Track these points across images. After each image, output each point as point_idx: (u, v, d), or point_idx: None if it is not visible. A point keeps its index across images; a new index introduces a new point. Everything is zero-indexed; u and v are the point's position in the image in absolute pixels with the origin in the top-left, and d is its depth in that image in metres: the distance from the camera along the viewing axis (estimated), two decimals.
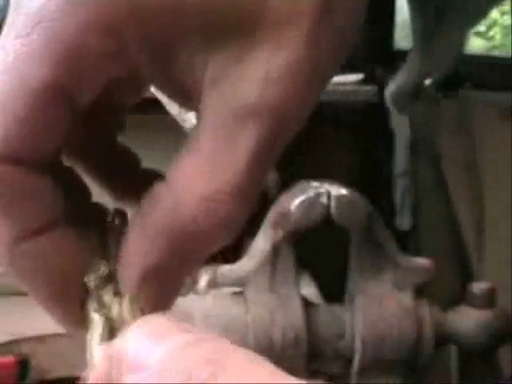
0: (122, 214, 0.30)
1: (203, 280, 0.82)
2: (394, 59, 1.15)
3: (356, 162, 1.36)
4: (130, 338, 0.22)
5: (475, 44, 2.33)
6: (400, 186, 1.29)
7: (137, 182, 0.30)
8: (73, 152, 0.30)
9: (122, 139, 0.33)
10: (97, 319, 0.27)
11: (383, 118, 1.30)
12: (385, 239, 0.77)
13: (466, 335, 0.76)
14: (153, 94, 0.34)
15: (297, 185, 0.78)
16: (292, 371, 0.20)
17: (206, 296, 0.83)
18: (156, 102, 0.74)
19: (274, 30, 0.26)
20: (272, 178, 0.89)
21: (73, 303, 0.28)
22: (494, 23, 2.36)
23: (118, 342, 0.23)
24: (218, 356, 0.20)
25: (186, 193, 0.26)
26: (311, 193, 0.75)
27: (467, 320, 0.76)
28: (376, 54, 1.33)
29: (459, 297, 0.78)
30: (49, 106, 0.26)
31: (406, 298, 0.77)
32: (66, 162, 0.30)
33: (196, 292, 0.83)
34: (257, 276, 0.78)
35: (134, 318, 0.26)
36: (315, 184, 0.76)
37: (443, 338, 0.76)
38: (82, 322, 0.28)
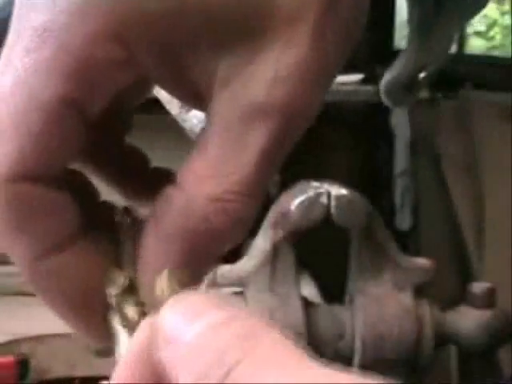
0: (131, 212, 0.30)
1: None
2: (394, 59, 1.15)
3: (356, 161, 1.36)
4: (167, 313, 0.22)
5: (475, 44, 2.33)
6: (400, 185, 1.29)
7: (147, 180, 0.31)
8: (81, 155, 0.30)
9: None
10: (121, 331, 0.27)
11: (383, 118, 1.30)
12: (385, 239, 0.77)
13: (466, 335, 0.76)
14: (153, 94, 0.34)
15: (297, 185, 0.78)
16: None
17: None
18: (156, 102, 0.74)
19: (285, 28, 0.26)
20: (272, 178, 0.88)
21: (96, 316, 0.28)
22: (494, 23, 2.36)
23: (155, 317, 0.23)
24: (249, 336, 0.21)
25: (197, 193, 0.27)
26: (311, 193, 0.75)
27: (467, 320, 0.76)
28: (376, 54, 1.33)
29: (459, 297, 0.78)
30: (62, 119, 0.26)
31: (406, 298, 0.76)
32: (75, 165, 0.30)
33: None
34: (257, 276, 0.78)
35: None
36: (315, 184, 0.76)
37: (443, 338, 0.76)
38: (107, 334, 0.28)
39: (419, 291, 0.77)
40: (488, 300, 0.77)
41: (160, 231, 0.27)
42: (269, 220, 0.76)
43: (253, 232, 0.80)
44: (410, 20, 0.57)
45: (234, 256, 0.81)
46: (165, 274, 0.25)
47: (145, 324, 0.23)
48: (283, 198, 0.77)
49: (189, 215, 0.27)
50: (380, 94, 0.53)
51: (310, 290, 0.82)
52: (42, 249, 0.27)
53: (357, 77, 1.30)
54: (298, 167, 0.89)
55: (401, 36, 1.41)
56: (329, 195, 0.74)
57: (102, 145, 0.31)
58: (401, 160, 1.30)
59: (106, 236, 0.29)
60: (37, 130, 0.25)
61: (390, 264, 0.76)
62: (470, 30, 2.11)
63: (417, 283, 0.77)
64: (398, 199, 1.30)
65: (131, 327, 0.27)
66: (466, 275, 1.28)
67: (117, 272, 0.28)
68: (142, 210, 0.29)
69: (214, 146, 0.27)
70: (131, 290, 0.28)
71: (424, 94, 1.29)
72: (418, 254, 0.85)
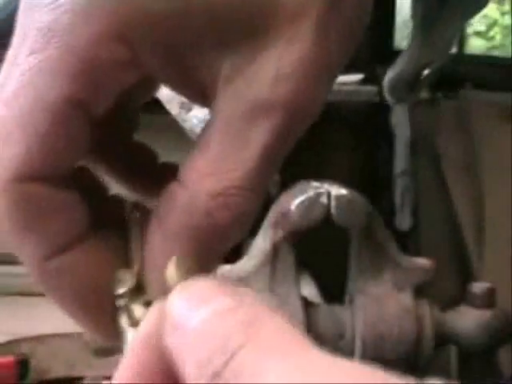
0: (140, 207, 0.30)
1: None
2: (395, 59, 1.15)
3: (356, 161, 1.36)
4: (174, 299, 0.22)
5: (475, 44, 2.33)
6: (400, 185, 1.29)
7: (155, 175, 0.31)
8: (89, 154, 0.30)
9: None
10: (129, 330, 0.27)
11: (384, 118, 1.30)
12: (385, 239, 0.77)
13: (466, 335, 0.76)
14: None
15: (297, 185, 0.78)
16: None
17: None
18: (156, 102, 0.74)
19: (288, 25, 0.26)
20: (274, 175, 0.88)
21: (105, 315, 0.28)
22: (494, 23, 2.36)
23: (164, 303, 0.23)
24: (253, 322, 0.21)
25: (200, 190, 0.27)
26: (311, 193, 0.75)
27: (467, 320, 0.76)
28: (376, 54, 1.33)
29: (459, 297, 0.78)
30: (68, 120, 0.26)
31: (406, 298, 0.76)
32: (83, 163, 0.30)
33: None
34: (257, 276, 0.77)
35: None
36: (315, 184, 0.76)
37: (443, 338, 0.76)
38: (115, 333, 0.28)
39: (419, 291, 0.77)
40: (488, 300, 0.77)
41: (164, 229, 0.27)
42: (269, 220, 0.76)
43: (253, 232, 0.80)
44: (414, 15, 0.57)
45: (234, 256, 0.81)
46: (173, 260, 0.25)
47: (153, 309, 0.23)
48: (283, 198, 0.77)
49: (192, 212, 0.27)
50: (383, 91, 0.53)
51: (310, 289, 0.82)
52: (50, 248, 0.27)
53: (357, 77, 1.30)
54: (298, 167, 0.89)
55: (401, 36, 1.41)
56: (329, 195, 0.74)
57: (109, 143, 0.31)
58: (401, 160, 1.30)
59: (116, 232, 0.29)
60: (43, 130, 0.25)
61: (390, 264, 0.76)
62: (470, 30, 2.11)
63: (417, 283, 0.76)
64: (398, 199, 1.30)
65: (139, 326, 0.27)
66: (466, 275, 1.28)
67: (124, 271, 0.28)
68: (152, 206, 0.29)
69: (216, 142, 0.27)
70: (139, 289, 0.28)
71: (424, 94, 1.29)
72: (418, 254, 0.85)
